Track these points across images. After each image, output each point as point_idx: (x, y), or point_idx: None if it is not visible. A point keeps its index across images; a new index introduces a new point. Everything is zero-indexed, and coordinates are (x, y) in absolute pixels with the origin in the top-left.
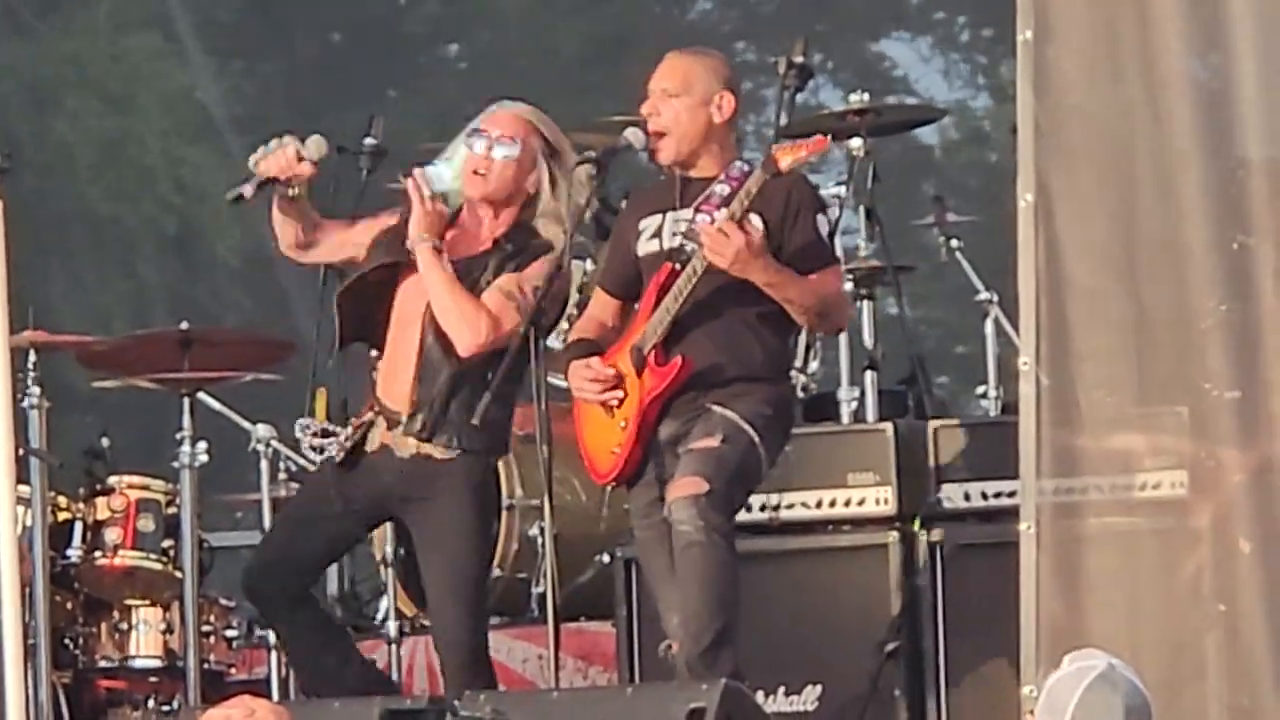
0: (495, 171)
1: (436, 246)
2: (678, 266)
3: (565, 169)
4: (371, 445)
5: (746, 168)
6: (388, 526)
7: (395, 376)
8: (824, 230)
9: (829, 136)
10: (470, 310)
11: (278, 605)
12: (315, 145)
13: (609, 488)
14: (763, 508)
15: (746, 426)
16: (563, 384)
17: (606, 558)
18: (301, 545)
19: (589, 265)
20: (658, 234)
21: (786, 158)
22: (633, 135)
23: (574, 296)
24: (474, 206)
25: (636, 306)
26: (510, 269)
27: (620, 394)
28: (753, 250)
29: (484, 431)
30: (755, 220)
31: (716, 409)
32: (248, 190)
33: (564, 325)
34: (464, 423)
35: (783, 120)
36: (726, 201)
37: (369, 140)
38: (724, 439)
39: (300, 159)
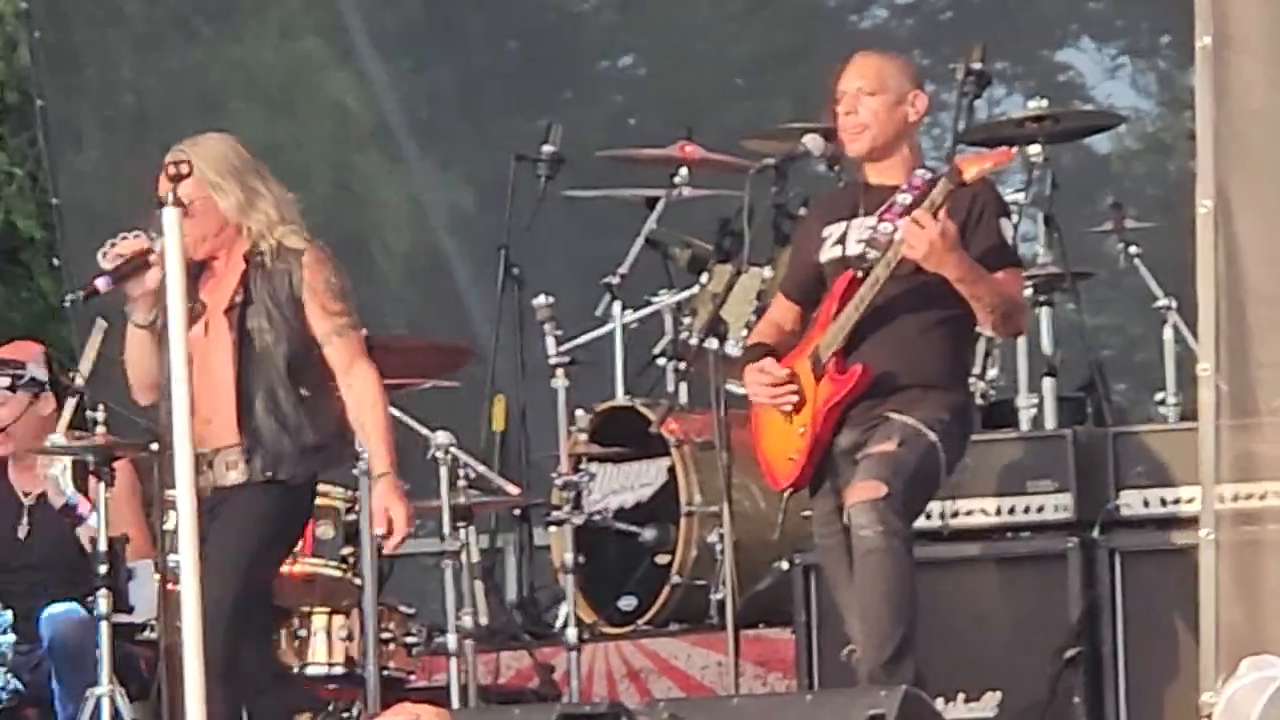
0: (193, 227)
1: None
2: (859, 274)
3: (248, 189)
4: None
5: (928, 175)
6: (566, 533)
7: (207, 419)
8: (1008, 234)
9: (1014, 148)
10: (371, 382)
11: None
12: None
13: (785, 495)
14: (942, 515)
15: (926, 430)
16: (741, 391)
17: (785, 564)
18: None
19: (767, 272)
20: (841, 241)
21: (971, 168)
22: (811, 142)
23: (753, 304)
24: (210, 263)
25: (816, 313)
26: (272, 278)
27: (794, 396)
28: (947, 242)
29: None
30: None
31: (895, 416)
32: (101, 284)
33: (743, 332)
34: (278, 448)
35: (960, 126)
36: (909, 210)
37: (547, 148)
38: (901, 442)
39: (150, 252)
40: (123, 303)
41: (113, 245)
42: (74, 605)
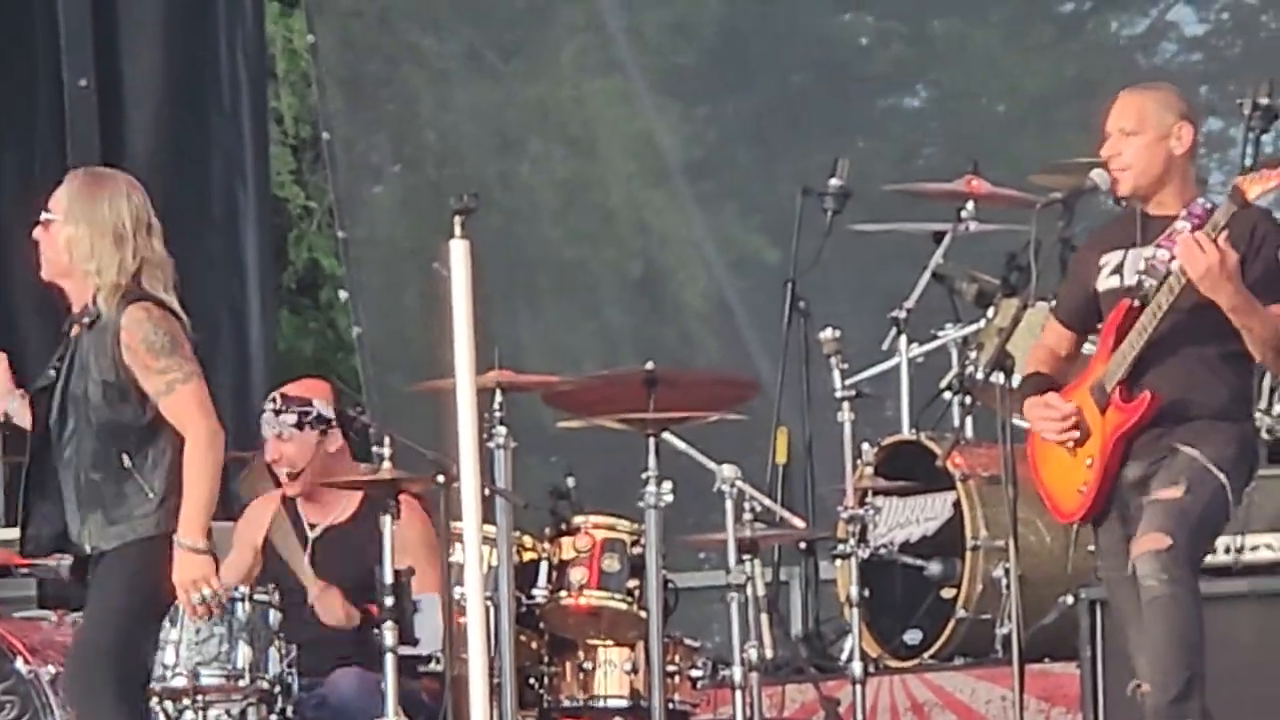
0: (41, 242)
1: None
2: (1136, 303)
3: (94, 217)
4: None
5: (1208, 205)
6: (852, 566)
7: None
8: None
9: None
10: (196, 445)
11: None
12: None
13: (1074, 529)
14: (1226, 550)
15: (1214, 470)
16: (1028, 425)
17: (1070, 599)
18: None
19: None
20: (1118, 270)
21: (1254, 187)
22: (1098, 176)
23: (1040, 338)
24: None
25: (1091, 342)
26: (103, 339)
27: (1079, 431)
28: (1225, 269)
29: (150, 517)
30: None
31: (1183, 449)
32: None
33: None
34: (120, 515)
35: (1247, 162)
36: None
37: (834, 182)
38: (1188, 488)
39: None
40: None
41: None
42: (358, 670)
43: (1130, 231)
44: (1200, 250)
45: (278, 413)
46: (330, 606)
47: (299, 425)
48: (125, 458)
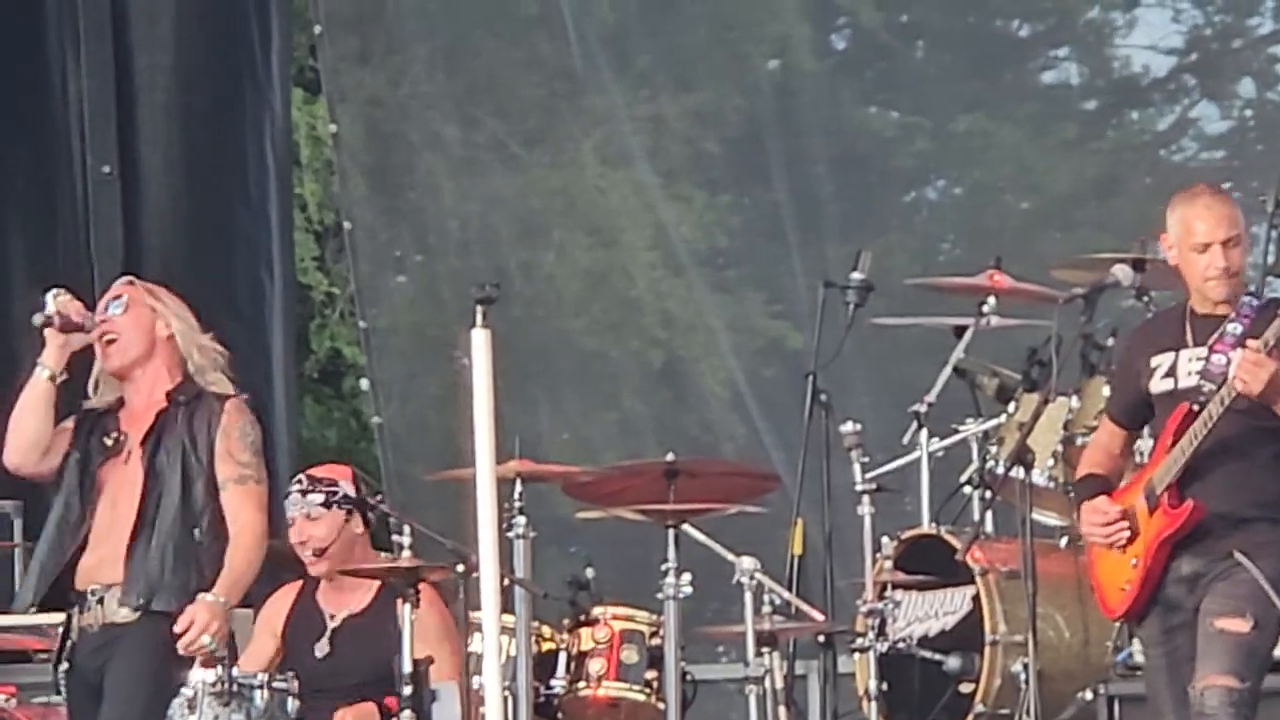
0: (119, 327)
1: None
2: (1195, 407)
3: (189, 324)
4: (73, 636)
5: (1256, 302)
6: (870, 660)
7: (103, 556)
8: None
9: None
10: (250, 535)
11: None
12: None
13: (1115, 627)
14: None
15: (1274, 596)
16: (1046, 520)
17: (1089, 694)
18: None
19: (1074, 402)
20: (1172, 372)
21: None
22: (1120, 272)
23: (1060, 433)
24: (131, 383)
25: (1140, 439)
26: (193, 418)
27: (1126, 532)
28: None
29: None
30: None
31: (1243, 562)
32: (39, 319)
33: (1049, 462)
34: (155, 581)
35: (1270, 259)
36: (1241, 340)
37: (855, 275)
38: (1255, 624)
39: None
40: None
41: (63, 295)
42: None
43: (1178, 331)
44: (1258, 368)
45: (304, 493)
46: None
47: (326, 504)
48: (196, 532)
